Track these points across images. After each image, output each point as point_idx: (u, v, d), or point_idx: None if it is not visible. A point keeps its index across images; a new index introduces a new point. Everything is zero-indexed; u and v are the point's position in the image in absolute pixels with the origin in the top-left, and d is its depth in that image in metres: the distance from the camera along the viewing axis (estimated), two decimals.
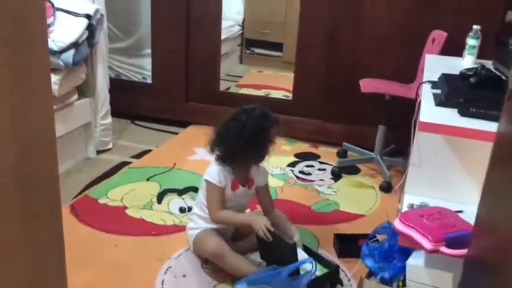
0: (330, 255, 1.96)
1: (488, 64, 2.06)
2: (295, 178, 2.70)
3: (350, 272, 1.84)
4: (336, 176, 2.74)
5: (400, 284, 1.47)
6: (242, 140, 1.73)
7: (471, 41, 2.20)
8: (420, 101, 1.56)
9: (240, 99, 3.34)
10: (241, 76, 4.60)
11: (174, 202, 2.33)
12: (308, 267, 1.67)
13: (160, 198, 2.36)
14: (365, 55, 2.94)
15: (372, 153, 2.81)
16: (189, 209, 2.23)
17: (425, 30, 2.71)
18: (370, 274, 1.63)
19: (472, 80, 1.59)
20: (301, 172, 2.79)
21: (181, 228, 2.08)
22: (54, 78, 2.32)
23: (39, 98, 0.78)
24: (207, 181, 1.80)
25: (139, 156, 2.86)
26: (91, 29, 2.53)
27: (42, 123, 0.80)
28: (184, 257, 1.90)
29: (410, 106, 2.47)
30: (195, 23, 3.23)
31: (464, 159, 1.47)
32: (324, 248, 2.01)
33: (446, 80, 1.67)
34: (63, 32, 2.41)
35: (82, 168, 2.65)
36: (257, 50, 5.02)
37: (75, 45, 2.42)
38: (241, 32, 4.88)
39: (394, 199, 2.40)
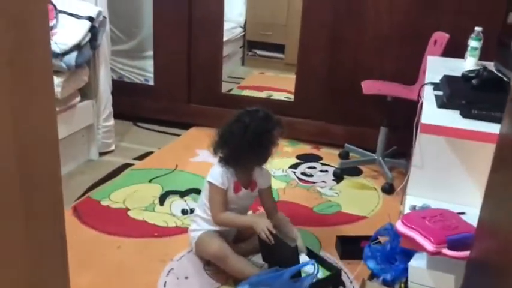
0: (332, 257, 1.96)
1: (490, 66, 2.05)
2: (297, 180, 2.70)
3: (352, 273, 1.83)
4: (338, 177, 2.74)
5: (402, 285, 1.47)
6: (245, 142, 1.73)
7: (473, 43, 2.19)
8: (422, 103, 1.56)
9: (242, 101, 3.35)
10: (243, 78, 4.61)
11: (176, 204, 2.34)
12: (310, 269, 1.67)
13: (162, 200, 2.36)
14: (367, 57, 2.94)
15: (373, 155, 2.81)
16: (191, 210, 2.23)
17: (427, 32, 2.71)
18: (372, 276, 1.63)
19: (474, 81, 1.59)
20: (303, 174, 2.79)
21: (183, 230, 2.08)
22: (57, 80, 2.33)
23: (42, 100, 0.78)
24: (209, 183, 1.80)
25: (141, 158, 2.87)
26: (93, 32, 2.54)
27: (44, 125, 0.80)
28: (187, 259, 1.90)
29: (412, 107, 2.47)
30: (197, 25, 3.24)
31: (466, 161, 1.47)
32: (326, 249, 2.01)
33: (448, 81, 1.67)
34: (66, 34, 2.42)
35: (84, 170, 2.66)
36: (259, 52, 5.02)
37: (77, 47, 2.42)
38: (243, 33, 4.88)
39: (396, 201, 2.40)
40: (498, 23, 2.40)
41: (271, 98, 3.82)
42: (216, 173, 1.79)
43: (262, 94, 3.99)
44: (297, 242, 1.77)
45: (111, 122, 2.89)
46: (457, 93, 1.51)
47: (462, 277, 1.13)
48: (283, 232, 1.81)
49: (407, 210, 1.46)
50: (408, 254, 1.42)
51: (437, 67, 2.05)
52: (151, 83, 3.47)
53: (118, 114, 3.00)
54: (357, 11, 2.89)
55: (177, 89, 3.37)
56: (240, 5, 4.79)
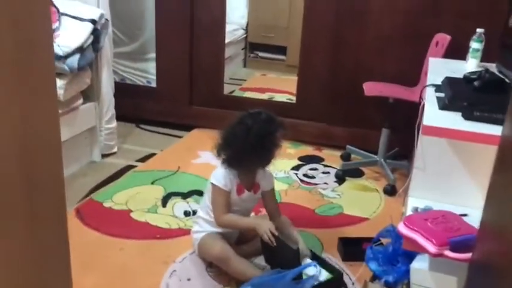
0: (334, 258, 1.96)
1: (492, 67, 2.05)
2: (299, 181, 2.71)
3: (354, 275, 1.83)
4: (340, 179, 2.74)
5: (404, 287, 1.47)
6: (248, 144, 1.73)
7: (475, 44, 2.19)
8: (424, 105, 1.56)
9: (244, 102, 3.35)
10: (245, 79, 4.62)
11: (179, 205, 2.34)
12: (312, 271, 1.67)
13: (164, 201, 2.37)
14: (368, 58, 2.94)
15: (375, 156, 2.81)
16: (194, 212, 2.24)
17: (429, 33, 2.71)
18: (375, 277, 1.62)
19: (475, 83, 1.59)
20: (305, 175, 2.79)
21: (185, 232, 2.08)
22: (60, 82, 2.34)
23: (45, 102, 0.79)
24: (213, 184, 1.80)
25: (144, 159, 2.88)
26: (96, 34, 2.55)
27: (47, 127, 0.80)
28: (189, 261, 1.91)
29: (414, 109, 2.48)
30: (200, 27, 3.25)
31: (468, 162, 1.47)
32: (328, 251, 2.01)
33: (450, 83, 1.67)
34: (69, 37, 2.43)
35: (87, 172, 2.67)
36: (261, 54, 5.03)
37: (80, 50, 2.44)
38: (245, 35, 4.89)
39: (398, 202, 2.40)
40: (500, 24, 2.39)
41: (273, 99, 3.82)
42: (219, 175, 1.80)
43: (264, 96, 3.99)
44: (298, 245, 1.77)
45: (114, 124, 2.90)
46: (458, 95, 1.51)
47: (464, 279, 1.13)
48: (284, 234, 1.81)
49: (409, 212, 1.46)
50: (410, 256, 1.42)
51: (438, 69, 2.05)
52: (154, 85, 3.48)
53: (120, 116, 3.01)
54: (358, 13, 2.90)
55: (179, 91, 3.38)
56: (242, 7, 4.80)
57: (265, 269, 1.80)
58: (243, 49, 4.96)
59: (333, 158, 3.04)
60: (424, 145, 1.49)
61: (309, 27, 3.06)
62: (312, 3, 3.02)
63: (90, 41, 2.51)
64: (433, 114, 1.44)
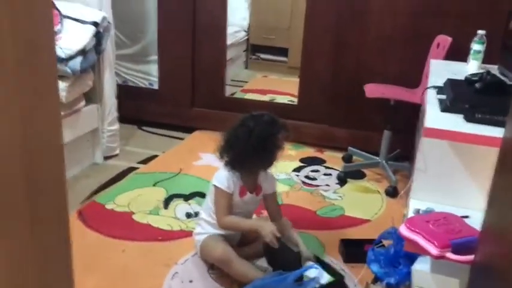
0: (336, 260, 1.96)
1: (494, 69, 2.05)
2: (300, 183, 2.71)
3: (356, 277, 1.83)
4: (342, 180, 2.74)
5: None
6: (250, 146, 1.73)
7: (476, 46, 2.19)
8: (425, 107, 1.56)
9: (246, 104, 3.36)
10: (246, 81, 4.62)
11: (181, 207, 2.34)
12: (313, 273, 1.67)
13: (166, 203, 2.37)
14: (370, 60, 2.95)
15: (377, 158, 2.81)
16: (195, 214, 2.24)
17: (430, 35, 2.71)
18: (376, 279, 1.62)
19: (477, 85, 1.59)
20: (306, 177, 2.79)
21: (187, 234, 2.08)
22: (62, 85, 2.35)
23: (47, 104, 0.79)
24: (215, 186, 1.80)
25: (146, 161, 2.88)
26: (98, 37, 2.56)
27: (49, 129, 0.81)
28: (191, 263, 1.91)
29: (415, 111, 2.49)
30: (201, 29, 3.26)
31: (470, 164, 1.47)
32: (329, 253, 2.01)
33: (452, 85, 1.67)
34: (71, 39, 2.43)
35: (89, 173, 2.67)
36: (262, 55, 5.04)
37: (82, 52, 2.44)
38: (246, 37, 4.90)
39: (400, 204, 2.39)
40: (501, 25, 2.39)
41: (275, 101, 3.83)
42: (221, 177, 1.80)
43: (266, 97, 3.99)
44: (299, 247, 1.78)
45: (116, 126, 2.90)
46: (460, 97, 1.51)
47: (466, 281, 1.13)
48: (285, 237, 1.82)
49: (410, 214, 1.46)
50: (412, 258, 1.42)
51: (440, 70, 2.05)
52: (156, 87, 3.49)
53: (123, 118, 3.02)
54: (360, 15, 2.90)
55: (181, 93, 3.39)
56: (243, 9, 4.81)
57: (267, 271, 1.80)
58: (244, 51, 4.97)
59: (334, 159, 3.04)
60: (425, 147, 1.49)
61: (310, 29, 3.06)
62: (313, 5, 3.02)
63: (92, 43, 2.52)
64: (434, 116, 1.44)
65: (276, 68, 4.89)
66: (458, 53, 2.41)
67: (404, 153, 2.80)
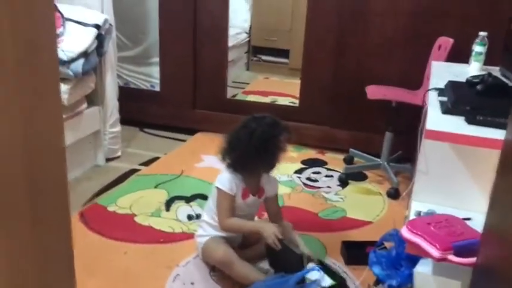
0: (338, 262, 1.96)
1: (495, 70, 2.05)
2: (302, 185, 2.71)
3: (358, 279, 1.83)
4: (343, 182, 2.74)
5: None
6: (252, 148, 1.74)
7: (478, 48, 2.19)
8: (427, 109, 1.56)
9: (247, 106, 3.36)
10: (248, 83, 4.62)
11: (182, 209, 2.35)
12: (315, 275, 1.67)
13: (168, 205, 2.37)
14: (371, 62, 2.95)
15: (378, 160, 2.81)
16: (197, 216, 2.24)
17: (431, 37, 2.71)
18: (378, 281, 1.62)
19: (478, 87, 1.59)
20: (308, 179, 2.79)
21: (189, 236, 2.09)
22: (64, 87, 2.36)
23: (48, 104, 0.79)
24: (218, 188, 1.80)
25: (147, 163, 2.89)
26: (100, 39, 2.56)
27: (51, 131, 0.81)
28: (193, 265, 1.91)
29: (417, 112, 2.47)
30: (203, 31, 3.26)
31: (471, 166, 1.47)
32: (331, 255, 2.01)
33: (453, 87, 1.67)
34: (73, 41, 2.44)
35: (91, 176, 2.68)
36: (264, 57, 5.04)
37: (84, 54, 2.45)
38: (248, 39, 4.91)
39: (401, 205, 2.39)
40: (503, 27, 2.39)
41: (276, 103, 3.83)
42: (224, 179, 1.80)
43: (267, 99, 4.00)
44: (301, 249, 1.78)
45: (118, 128, 2.91)
46: (461, 99, 1.51)
47: (468, 283, 1.13)
48: (286, 239, 1.81)
49: (412, 216, 1.46)
50: (414, 260, 1.42)
51: (441, 72, 2.05)
52: (157, 89, 3.50)
53: (124, 120, 3.03)
54: (361, 17, 2.90)
55: (183, 95, 3.40)
56: (244, 11, 4.81)
57: (269, 273, 1.80)
58: (246, 53, 4.98)
59: (336, 161, 3.04)
60: (427, 149, 1.49)
61: (311, 31, 3.06)
62: (314, 7, 3.02)
63: (94, 45, 2.53)
64: (435, 119, 1.44)
65: (278, 70, 4.89)
66: (459, 55, 2.41)
67: (405, 154, 2.79)
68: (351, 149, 3.02)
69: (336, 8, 2.94)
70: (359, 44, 2.94)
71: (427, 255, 1.25)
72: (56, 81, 0.81)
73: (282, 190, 2.57)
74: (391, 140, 2.73)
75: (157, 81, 3.48)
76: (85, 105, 2.64)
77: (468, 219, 1.39)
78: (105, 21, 2.60)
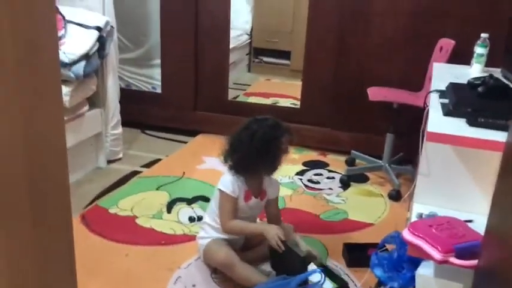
0: (339, 264, 1.95)
1: (497, 72, 2.05)
2: (303, 187, 2.70)
3: (359, 281, 1.83)
4: (345, 184, 2.74)
5: None
6: (253, 149, 1.74)
7: (479, 49, 2.19)
8: (428, 111, 1.56)
9: (248, 108, 3.36)
10: (249, 84, 4.63)
11: (184, 211, 2.35)
12: (317, 277, 1.67)
13: (169, 207, 2.37)
14: (373, 63, 2.95)
15: (380, 162, 2.80)
16: (199, 218, 2.24)
17: (433, 38, 2.71)
18: (380, 284, 1.62)
19: (480, 89, 1.59)
20: (309, 181, 2.79)
21: (190, 238, 2.08)
22: (65, 89, 2.36)
23: (49, 105, 0.78)
24: (220, 191, 1.80)
25: (149, 165, 2.89)
26: (101, 41, 2.57)
27: (53, 133, 0.81)
28: (194, 267, 1.91)
29: (418, 114, 2.47)
30: (204, 33, 3.27)
31: (473, 168, 1.46)
32: (333, 257, 2.01)
33: (454, 89, 1.67)
34: (74, 44, 2.45)
35: (93, 178, 2.68)
36: (265, 59, 5.05)
37: (85, 57, 2.46)
38: (249, 41, 4.91)
39: (403, 207, 2.39)
40: (504, 29, 2.39)
41: (277, 104, 3.83)
42: (226, 181, 1.80)
43: (268, 101, 4.00)
44: (304, 250, 1.77)
45: (119, 130, 2.91)
46: (463, 101, 1.50)
47: (470, 286, 1.12)
48: (290, 241, 1.81)
49: (414, 218, 1.45)
50: (415, 262, 1.42)
51: (442, 74, 2.05)
52: (159, 90, 3.50)
53: (126, 122, 3.03)
54: (362, 18, 2.90)
55: (184, 97, 3.40)
56: (246, 12, 4.82)
57: (270, 275, 1.80)
58: (247, 54, 4.98)
59: (337, 163, 3.04)
60: (428, 151, 1.49)
61: (313, 32, 3.07)
62: (315, 8, 3.03)
63: (95, 48, 2.53)
64: (437, 121, 1.44)
65: (279, 71, 4.90)
66: (461, 56, 2.40)
67: (407, 156, 2.79)
68: (353, 151, 3.01)
69: (337, 10, 2.94)
70: (360, 45, 2.95)
71: (428, 257, 1.25)
72: (57, 81, 0.81)
73: (284, 192, 2.57)
74: (393, 142, 2.73)
75: (159, 83, 3.49)
76: (86, 107, 2.64)
77: (470, 221, 1.39)
78: (107, 23, 2.60)
